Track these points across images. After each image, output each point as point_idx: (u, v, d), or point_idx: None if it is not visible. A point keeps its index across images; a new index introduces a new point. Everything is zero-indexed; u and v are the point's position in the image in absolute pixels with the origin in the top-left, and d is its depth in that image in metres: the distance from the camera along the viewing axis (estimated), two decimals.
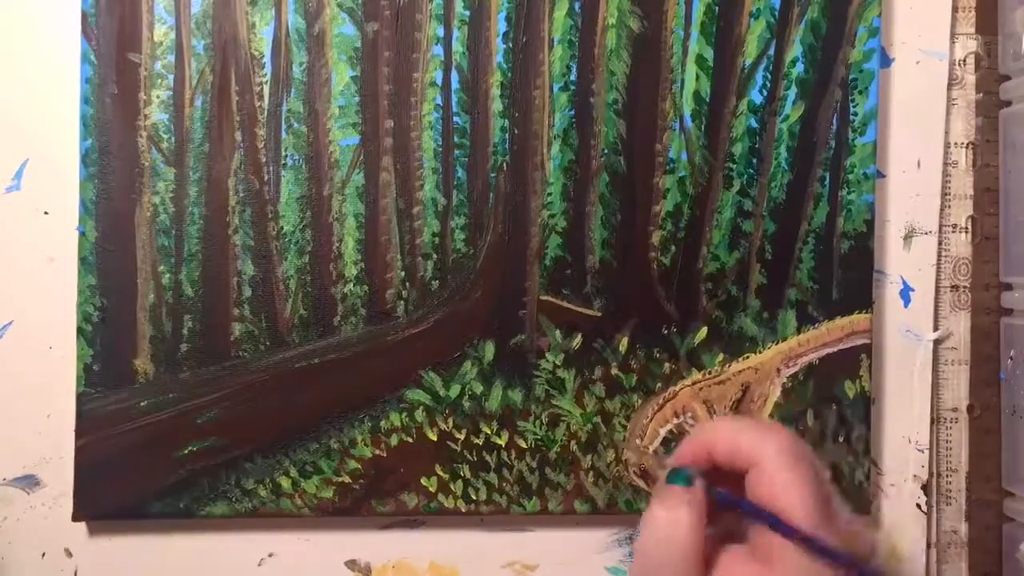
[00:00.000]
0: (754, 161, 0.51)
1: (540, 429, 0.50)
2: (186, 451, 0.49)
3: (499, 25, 0.50)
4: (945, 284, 0.54)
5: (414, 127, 0.50)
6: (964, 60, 0.54)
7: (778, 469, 0.36)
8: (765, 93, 0.51)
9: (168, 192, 0.49)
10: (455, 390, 0.50)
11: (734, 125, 0.51)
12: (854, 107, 0.52)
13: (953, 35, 0.54)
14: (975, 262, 0.54)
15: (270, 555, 0.51)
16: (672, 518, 0.37)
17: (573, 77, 0.51)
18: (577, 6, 0.50)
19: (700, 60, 0.51)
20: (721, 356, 0.51)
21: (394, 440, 0.50)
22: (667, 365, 0.51)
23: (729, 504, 0.38)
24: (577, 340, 0.51)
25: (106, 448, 0.48)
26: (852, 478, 0.51)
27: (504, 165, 0.50)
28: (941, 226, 0.54)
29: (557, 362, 0.51)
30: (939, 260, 0.54)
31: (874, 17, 0.51)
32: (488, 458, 0.50)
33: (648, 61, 0.51)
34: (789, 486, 0.36)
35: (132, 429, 0.48)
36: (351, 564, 0.52)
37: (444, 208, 0.50)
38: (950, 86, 0.54)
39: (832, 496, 0.38)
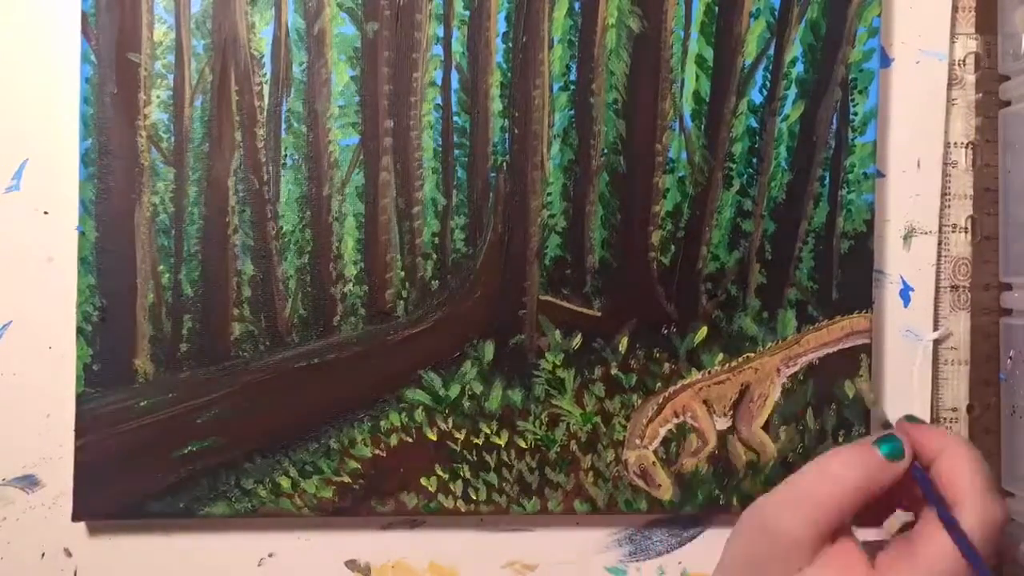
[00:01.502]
0: (754, 161, 0.51)
1: (540, 429, 0.50)
2: (186, 451, 0.49)
3: (499, 25, 0.50)
4: (945, 284, 0.54)
5: (414, 127, 0.50)
6: (964, 60, 0.54)
7: (975, 532, 0.36)
8: (765, 93, 0.51)
9: (168, 192, 0.49)
10: (455, 390, 0.50)
11: (734, 125, 0.51)
12: (854, 107, 0.52)
13: (953, 35, 0.54)
14: (975, 262, 0.54)
15: (270, 555, 0.51)
16: (852, 478, 0.37)
17: (573, 77, 0.51)
18: (577, 6, 0.50)
19: (700, 60, 0.51)
20: (721, 356, 0.51)
21: (394, 440, 0.50)
22: (667, 365, 0.51)
23: (922, 486, 0.37)
24: (577, 340, 0.51)
25: (106, 448, 0.48)
26: None
27: (504, 165, 0.50)
28: (941, 226, 0.54)
29: (557, 362, 0.51)
30: (939, 260, 0.54)
31: (874, 17, 0.51)
32: (488, 458, 0.50)
33: (648, 61, 0.51)
34: (977, 509, 0.36)
35: (132, 429, 0.48)
36: (351, 564, 0.52)
37: (444, 208, 0.50)
38: (950, 86, 0.54)
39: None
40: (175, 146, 0.49)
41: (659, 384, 0.51)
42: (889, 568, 0.37)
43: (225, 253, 0.49)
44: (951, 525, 0.36)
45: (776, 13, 0.51)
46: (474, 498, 0.50)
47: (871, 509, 0.39)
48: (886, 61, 0.53)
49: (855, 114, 0.52)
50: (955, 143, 0.54)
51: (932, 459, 0.38)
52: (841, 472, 0.37)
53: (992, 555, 0.36)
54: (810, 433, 0.51)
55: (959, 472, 0.37)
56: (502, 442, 0.50)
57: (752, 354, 0.51)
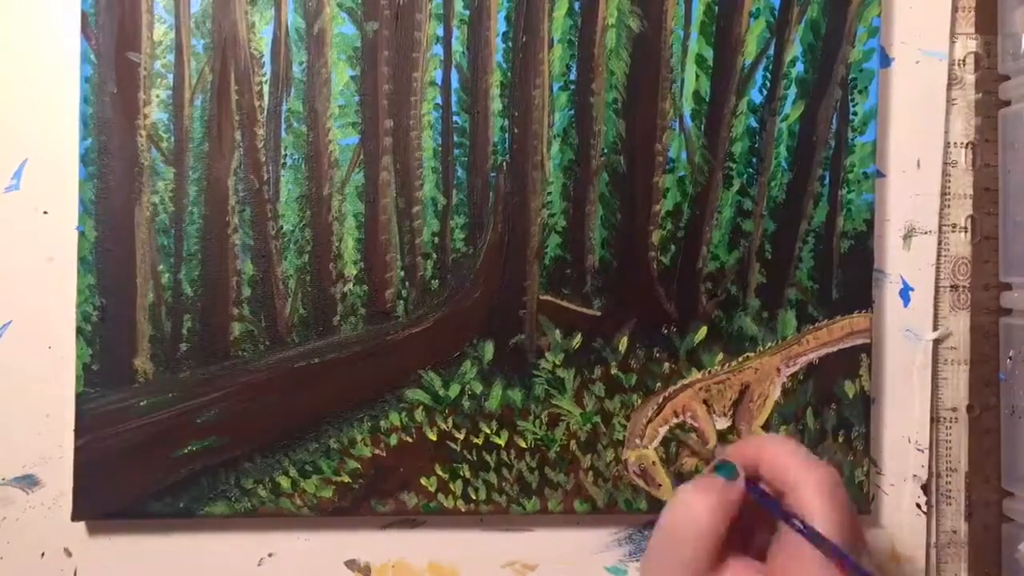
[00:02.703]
0: (754, 160, 0.51)
1: (540, 429, 0.50)
2: (186, 451, 0.48)
3: (499, 24, 0.50)
4: (945, 284, 0.54)
5: (414, 126, 0.50)
6: (964, 60, 0.54)
7: (815, 496, 0.38)
8: (765, 92, 0.51)
9: (168, 191, 0.49)
10: (455, 390, 0.50)
11: (734, 125, 0.51)
12: (854, 107, 0.52)
13: (953, 35, 0.54)
14: (975, 262, 0.54)
15: (270, 555, 0.51)
16: (703, 501, 0.39)
17: (573, 76, 0.51)
18: (577, 6, 0.50)
19: (700, 60, 0.51)
20: (721, 356, 0.51)
21: (394, 440, 0.50)
22: (667, 365, 0.51)
23: (765, 503, 0.40)
24: (577, 340, 0.51)
25: (106, 448, 0.48)
26: (852, 478, 0.51)
27: (504, 164, 0.50)
28: (941, 226, 0.54)
29: (557, 362, 0.51)
30: (939, 260, 0.54)
31: (874, 17, 0.51)
32: (488, 458, 0.50)
33: (648, 61, 0.51)
34: (820, 512, 0.38)
35: (132, 429, 0.48)
36: (351, 564, 0.52)
37: (444, 207, 0.50)
38: (950, 86, 0.54)
39: (860, 539, 0.40)
40: (175, 146, 0.49)
41: (659, 384, 0.51)
42: (781, 570, 0.39)
43: (225, 253, 0.49)
44: (798, 529, 0.38)
45: (776, 13, 0.51)
46: (474, 498, 0.50)
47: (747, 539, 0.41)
48: (886, 61, 0.53)
49: (855, 114, 0.52)
50: (955, 143, 0.54)
51: (756, 465, 0.41)
52: (691, 501, 0.40)
53: (844, 508, 0.39)
54: (810, 433, 0.51)
55: (780, 461, 0.40)
56: (502, 442, 0.50)
57: (752, 354, 0.51)
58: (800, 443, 0.42)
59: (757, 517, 0.41)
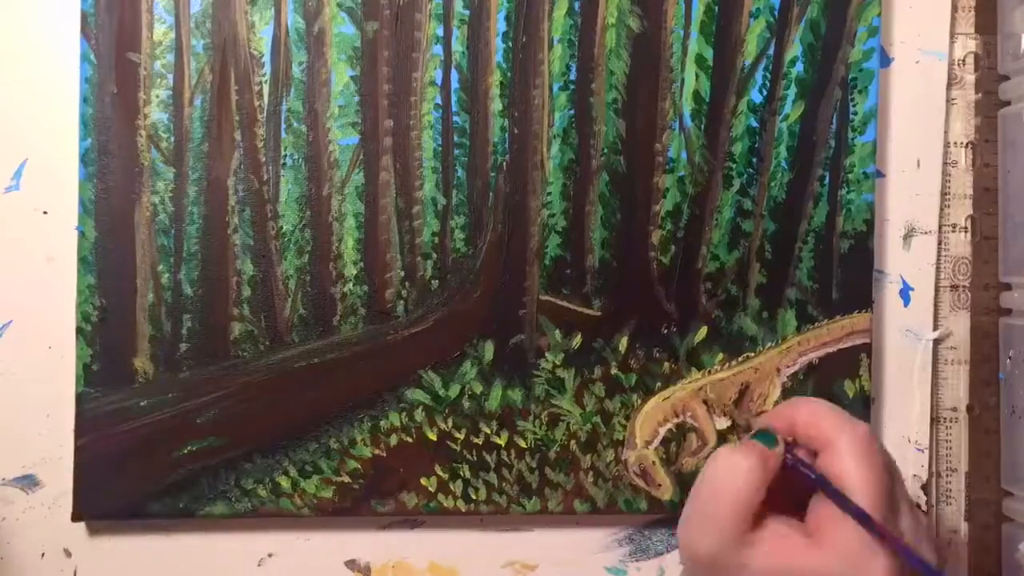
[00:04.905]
0: (754, 160, 0.51)
1: (540, 429, 0.50)
2: (185, 451, 0.48)
3: (499, 25, 0.50)
4: (945, 284, 0.54)
5: (414, 127, 0.50)
6: (963, 60, 0.54)
7: (850, 458, 0.39)
8: (765, 92, 0.51)
9: (167, 192, 0.49)
10: (455, 390, 0.50)
11: (734, 124, 0.51)
12: (854, 106, 0.52)
13: (952, 35, 0.54)
14: (974, 262, 0.54)
15: (270, 555, 0.51)
16: (743, 464, 0.39)
17: (573, 76, 0.51)
18: (577, 6, 0.50)
19: (700, 59, 0.51)
20: (721, 355, 0.51)
21: (393, 440, 0.50)
22: (667, 365, 0.51)
23: (802, 468, 0.40)
24: (577, 340, 0.51)
25: (106, 448, 0.48)
26: None
27: (504, 164, 0.50)
28: (941, 226, 0.54)
29: (557, 362, 0.51)
30: (939, 260, 0.54)
31: (874, 17, 0.51)
32: (488, 458, 0.50)
33: (648, 60, 0.51)
34: (855, 474, 0.38)
35: (132, 429, 0.48)
36: (351, 564, 0.52)
37: (444, 208, 0.50)
38: (949, 86, 0.54)
39: (899, 495, 0.40)
40: (175, 146, 0.49)
41: (659, 384, 0.51)
42: (819, 529, 0.39)
43: (225, 253, 0.49)
44: (829, 494, 0.39)
45: (776, 13, 0.51)
46: (474, 498, 0.50)
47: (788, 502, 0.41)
48: (886, 61, 0.53)
49: (855, 114, 0.52)
50: (955, 143, 0.54)
51: (792, 428, 0.42)
52: (729, 473, 0.40)
53: (878, 468, 0.39)
54: None
55: (814, 423, 0.41)
56: (502, 442, 0.50)
57: (752, 354, 0.51)
58: (833, 404, 0.42)
59: (797, 475, 0.41)
